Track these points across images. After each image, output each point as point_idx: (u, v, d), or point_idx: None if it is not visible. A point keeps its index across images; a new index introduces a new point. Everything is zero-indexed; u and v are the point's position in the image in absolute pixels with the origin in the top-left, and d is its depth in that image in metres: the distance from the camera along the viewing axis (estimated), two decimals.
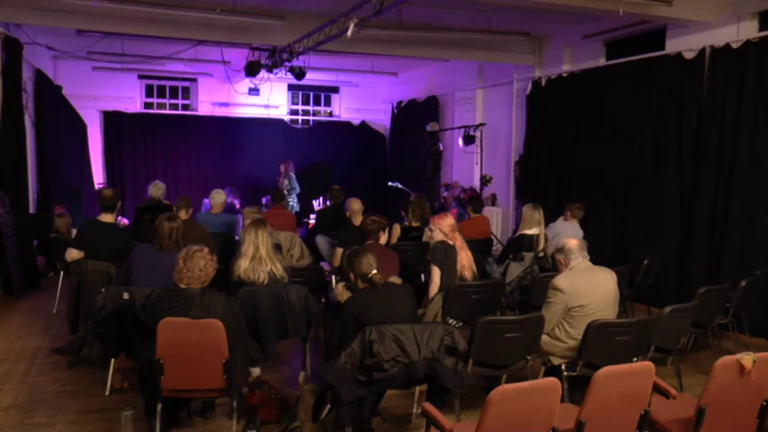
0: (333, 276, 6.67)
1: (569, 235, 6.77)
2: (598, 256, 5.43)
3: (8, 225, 8.04)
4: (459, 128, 11.66)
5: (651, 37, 8.76)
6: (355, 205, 7.44)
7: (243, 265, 4.99)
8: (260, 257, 5.00)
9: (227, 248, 6.70)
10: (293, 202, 12.05)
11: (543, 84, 10.34)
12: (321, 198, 11.76)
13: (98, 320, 4.80)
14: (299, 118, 15.55)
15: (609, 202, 8.88)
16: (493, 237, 8.74)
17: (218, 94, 14.14)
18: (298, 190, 12.01)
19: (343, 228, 7.17)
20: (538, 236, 6.75)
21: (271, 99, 14.31)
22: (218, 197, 7.85)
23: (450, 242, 5.55)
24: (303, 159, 14.78)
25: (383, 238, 5.75)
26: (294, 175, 12.51)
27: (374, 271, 4.12)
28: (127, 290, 4.73)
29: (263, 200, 12.05)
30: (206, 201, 10.47)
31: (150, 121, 13.67)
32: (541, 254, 6.67)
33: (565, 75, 9.96)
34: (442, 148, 12.50)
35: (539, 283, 5.85)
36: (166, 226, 5.15)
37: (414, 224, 7.61)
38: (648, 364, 3.24)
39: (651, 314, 6.81)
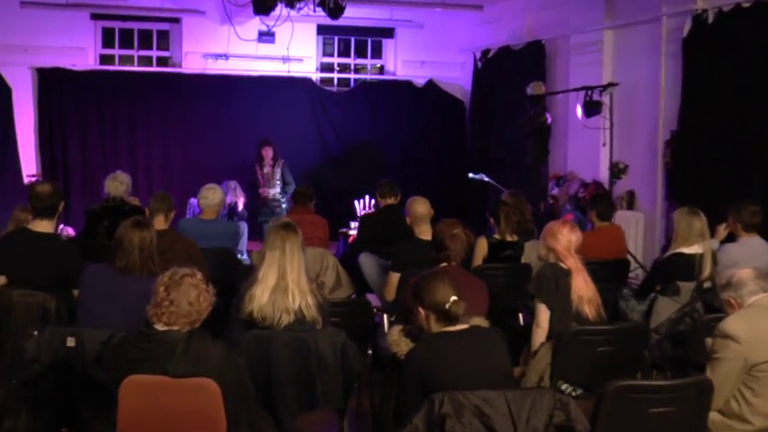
0: (385, 316, 6.64)
1: (751, 259, 6.59)
2: None
3: None
4: (577, 90, 11.50)
5: None
6: (419, 208, 7.42)
7: (259, 298, 4.97)
8: (285, 287, 4.97)
9: (225, 273, 6.74)
10: (284, 204, 12.06)
11: (710, 20, 10.15)
12: (367, 197, 11.77)
13: (28, 378, 4.83)
14: (335, 76, 15.62)
15: None
16: (630, 257, 8.60)
17: (212, 41, 14.29)
18: (293, 186, 11.98)
19: (401, 242, 7.19)
20: (701, 256, 6.62)
21: (292, 49, 14.37)
22: (212, 196, 7.92)
23: (564, 265, 5.53)
24: (339, 138, 14.88)
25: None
26: (287, 167, 12.45)
27: (453, 297, 4.15)
28: (72, 333, 4.77)
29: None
30: (193, 201, 10.60)
31: (109, 82, 13.90)
32: (707, 284, 6.54)
33: (746, 5, 9.76)
34: (550, 120, 12.37)
35: (703, 329, 5.71)
36: (135, 237, 5.20)
37: (508, 237, 7.56)
38: None
39: None
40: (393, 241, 7.45)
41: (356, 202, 12.09)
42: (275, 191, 12.16)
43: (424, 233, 7.11)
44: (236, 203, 11.59)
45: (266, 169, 12.28)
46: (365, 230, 8.85)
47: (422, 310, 4.24)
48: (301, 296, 4.98)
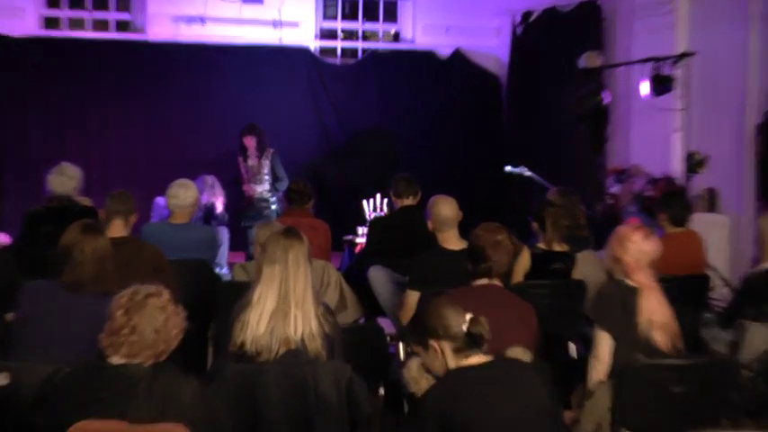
0: (401, 345, 6.63)
1: None
2: None
3: None
4: (643, 62, 11.50)
5: None
6: (444, 210, 7.40)
7: (254, 326, 4.90)
8: (287, 311, 4.89)
9: (200, 291, 6.75)
10: (274, 205, 12.02)
11: None
12: (378, 196, 11.77)
13: None
14: (338, 45, 15.66)
15: None
16: (711, 272, 8.54)
17: (184, 1, 14.32)
18: (285, 182, 11.89)
19: (422, 253, 7.19)
20: None
21: (285, 11, 14.48)
22: (184, 194, 7.95)
23: (631, 283, 5.48)
24: (344, 122, 14.94)
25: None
26: (278, 158, 12.31)
27: (468, 315, 4.16)
28: (5, 367, 4.74)
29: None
30: (160, 201, 10.58)
31: (55, 51, 13.92)
32: None
33: None
34: (608, 100, 12.36)
35: None
36: (86, 245, 5.21)
37: (556, 247, 7.55)
38: None
39: None
40: (411, 251, 7.44)
41: (365, 202, 12.06)
42: (263, 188, 12.02)
43: (450, 241, 7.15)
44: (213, 204, 11.55)
45: (251, 161, 12.11)
46: (376, 238, 8.87)
47: (434, 345, 4.19)
48: (305, 322, 4.91)
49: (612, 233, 5.75)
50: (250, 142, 12.02)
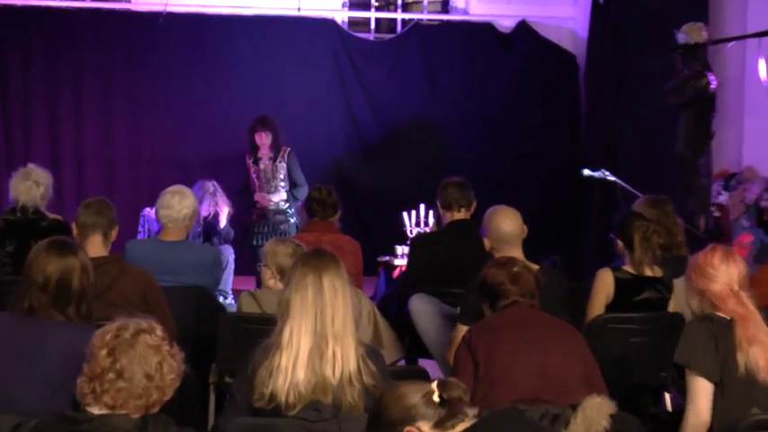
0: None
1: None
2: None
3: None
4: (761, 36, 11.49)
5: None
6: (505, 224, 7.42)
7: (288, 370, 4.85)
8: (323, 350, 4.84)
9: (198, 324, 6.81)
10: (293, 218, 11.93)
11: None
12: (422, 207, 11.79)
13: None
14: (371, 16, 15.71)
15: None
16: None
17: None
18: (305, 189, 11.78)
19: (476, 279, 7.15)
20: None
21: None
22: (179, 204, 7.96)
23: (725, 315, 5.43)
24: (377, 113, 15.00)
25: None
26: (296, 158, 12.16)
27: (434, 383, 4.07)
28: None
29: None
30: (149, 212, 10.66)
31: (18, 25, 14.02)
32: None
33: None
34: (715, 85, 12.34)
35: None
36: (53, 267, 5.22)
37: (647, 271, 7.50)
38: None
39: None
40: (463, 277, 7.43)
41: (405, 214, 12.08)
42: (279, 197, 11.97)
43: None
44: (216, 216, 11.57)
45: (263, 164, 12.01)
46: (420, 260, 8.87)
47: (410, 429, 4.06)
48: (344, 361, 4.88)
49: (688, 267, 5.67)
50: (263, 140, 11.87)
